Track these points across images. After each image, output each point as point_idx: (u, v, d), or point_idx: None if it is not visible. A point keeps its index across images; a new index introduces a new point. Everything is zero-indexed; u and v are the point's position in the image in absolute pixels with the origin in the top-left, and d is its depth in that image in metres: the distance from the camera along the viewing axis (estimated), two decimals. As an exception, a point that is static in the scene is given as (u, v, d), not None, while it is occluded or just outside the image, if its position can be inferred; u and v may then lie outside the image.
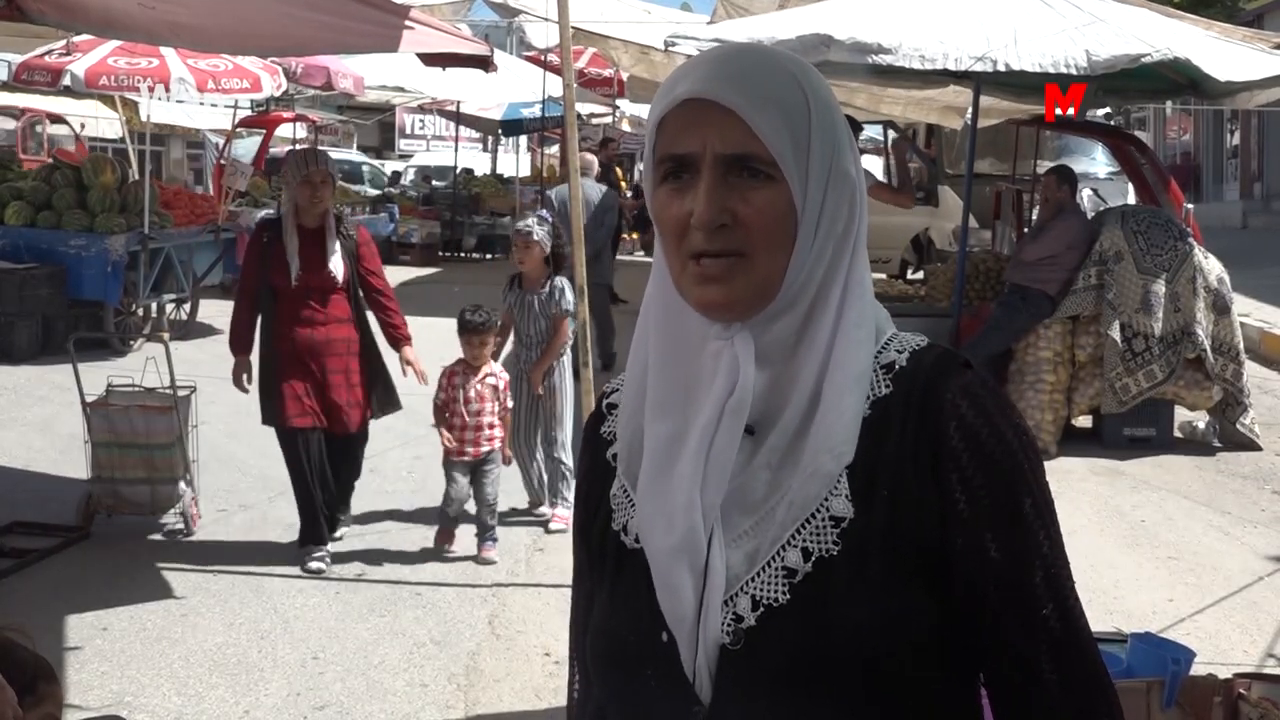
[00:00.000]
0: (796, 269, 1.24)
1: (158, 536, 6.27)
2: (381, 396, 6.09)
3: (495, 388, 6.02)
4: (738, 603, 1.23)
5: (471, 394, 5.96)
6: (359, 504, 6.46)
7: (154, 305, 11.70)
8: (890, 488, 1.23)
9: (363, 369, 5.94)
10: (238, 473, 7.29)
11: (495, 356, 6.25)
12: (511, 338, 6.64)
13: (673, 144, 1.26)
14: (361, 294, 5.96)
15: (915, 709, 1.23)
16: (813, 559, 1.22)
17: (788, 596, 1.22)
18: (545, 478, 6.58)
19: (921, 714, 1.24)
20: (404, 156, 31.86)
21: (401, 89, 17.11)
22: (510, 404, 6.07)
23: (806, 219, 1.24)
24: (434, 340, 12.11)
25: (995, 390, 1.29)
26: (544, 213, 7.12)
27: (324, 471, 5.91)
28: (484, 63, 6.31)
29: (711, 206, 1.22)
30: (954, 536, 1.23)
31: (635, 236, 19.84)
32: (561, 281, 6.46)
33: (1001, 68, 7.63)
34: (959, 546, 1.23)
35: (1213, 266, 8.39)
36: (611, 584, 1.34)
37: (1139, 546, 6.34)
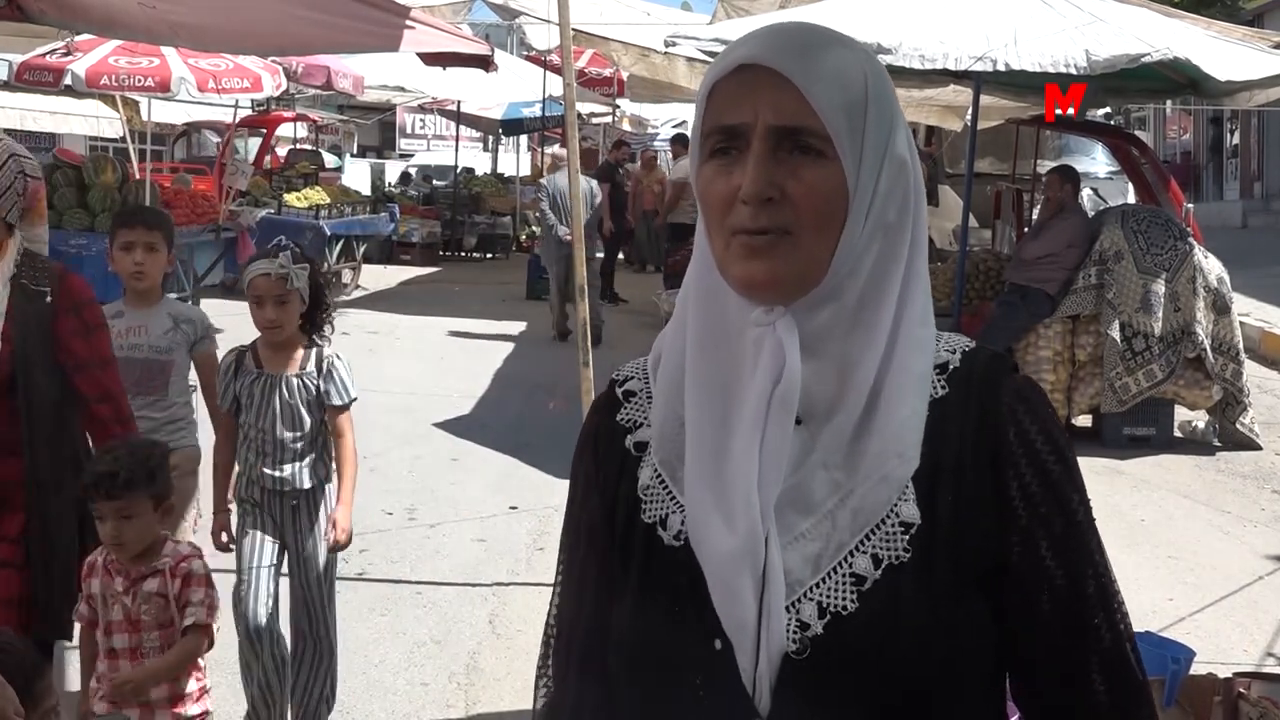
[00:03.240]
0: (845, 253, 1.18)
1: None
2: (46, 595, 3.14)
3: (165, 598, 3.11)
4: (802, 609, 1.17)
5: (116, 613, 3.10)
6: (359, 502, 6.21)
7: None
8: (953, 493, 1.19)
9: (28, 539, 3.15)
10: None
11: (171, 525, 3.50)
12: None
13: (722, 114, 1.19)
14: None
15: (963, 717, 1.20)
16: (883, 566, 1.17)
17: (856, 604, 1.17)
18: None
19: None
20: (404, 156, 31.89)
21: (402, 89, 17.16)
22: (211, 619, 3.24)
23: (858, 201, 1.18)
24: (433, 341, 12.16)
25: (1044, 395, 1.27)
26: (282, 238, 3.95)
27: None
28: (484, 62, 6.32)
29: (760, 179, 1.16)
30: (1011, 543, 1.20)
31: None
32: (331, 355, 3.85)
33: (1001, 68, 7.63)
34: (1015, 553, 1.20)
35: (1213, 266, 8.40)
36: (640, 584, 1.25)
37: (1139, 546, 6.34)
